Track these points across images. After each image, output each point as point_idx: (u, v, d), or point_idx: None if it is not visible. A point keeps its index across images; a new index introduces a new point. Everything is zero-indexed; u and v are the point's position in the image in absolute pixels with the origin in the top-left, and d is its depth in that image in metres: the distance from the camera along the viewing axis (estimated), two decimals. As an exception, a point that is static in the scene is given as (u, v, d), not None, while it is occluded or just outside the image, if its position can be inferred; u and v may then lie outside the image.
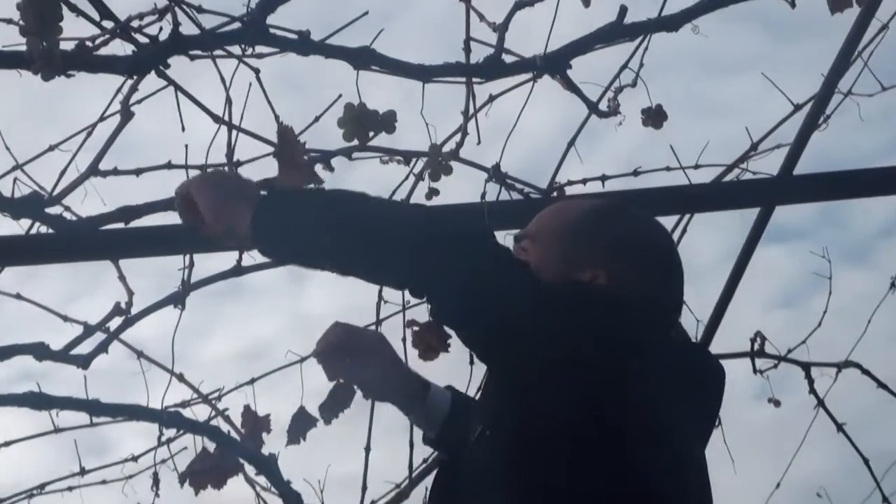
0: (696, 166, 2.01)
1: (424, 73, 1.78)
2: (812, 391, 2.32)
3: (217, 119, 1.82)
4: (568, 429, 1.10)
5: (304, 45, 1.69)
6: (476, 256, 1.12)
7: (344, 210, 1.18)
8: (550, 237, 1.32)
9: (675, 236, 2.09)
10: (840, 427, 2.34)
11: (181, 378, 1.98)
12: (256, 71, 1.80)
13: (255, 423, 1.87)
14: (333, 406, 1.74)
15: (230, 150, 1.88)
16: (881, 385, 2.34)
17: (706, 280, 2.26)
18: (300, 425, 1.76)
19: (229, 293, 2.13)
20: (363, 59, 1.71)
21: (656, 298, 1.27)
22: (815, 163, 2.02)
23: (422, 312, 1.88)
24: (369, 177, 1.98)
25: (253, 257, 1.97)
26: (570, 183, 1.99)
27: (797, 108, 1.98)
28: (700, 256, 2.48)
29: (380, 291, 2.02)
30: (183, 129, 1.80)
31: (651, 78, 1.94)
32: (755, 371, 2.24)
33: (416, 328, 1.95)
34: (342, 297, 2.08)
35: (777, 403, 2.29)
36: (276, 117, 1.69)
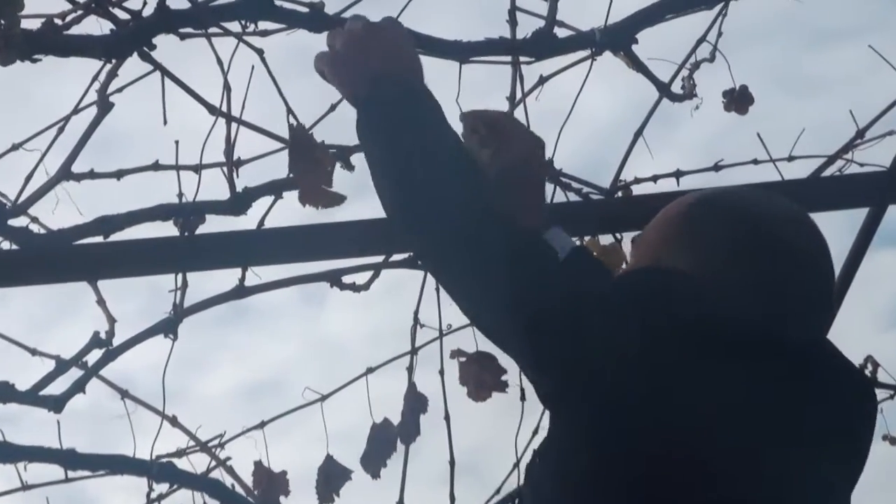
0: (790, 158, 1.72)
1: (462, 52, 1.57)
2: None
3: (213, 110, 1.59)
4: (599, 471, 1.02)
5: (315, 19, 1.48)
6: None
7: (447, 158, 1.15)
8: (646, 236, 1.17)
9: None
10: None
11: (174, 422, 1.73)
12: (260, 52, 1.57)
13: (270, 482, 1.61)
14: (379, 451, 1.50)
15: (229, 147, 1.62)
16: None
17: None
18: (330, 478, 1.50)
19: (234, 317, 1.85)
20: None
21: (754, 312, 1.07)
22: None
23: (466, 339, 1.59)
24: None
25: (258, 275, 1.70)
26: (638, 181, 1.70)
27: None
28: None
29: (415, 313, 1.72)
30: (165, 122, 1.58)
31: (734, 52, 1.65)
32: None
33: (462, 359, 1.66)
34: (367, 319, 1.79)
35: (894, 441, 2.02)
36: (288, 110, 1.41)
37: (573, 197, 1.67)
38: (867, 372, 1.86)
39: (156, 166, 1.67)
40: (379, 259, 1.68)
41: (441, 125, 1.19)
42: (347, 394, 1.68)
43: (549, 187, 1.65)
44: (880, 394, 1.92)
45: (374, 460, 1.63)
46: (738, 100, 1.67)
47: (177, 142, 1.63)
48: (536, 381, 1.10)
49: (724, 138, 1.87)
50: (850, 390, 1.14)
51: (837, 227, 1.76)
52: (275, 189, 1.65)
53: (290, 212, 1.64)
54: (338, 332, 2.46)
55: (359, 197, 1.57)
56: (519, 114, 1.64)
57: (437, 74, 1.59)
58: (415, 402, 1.68)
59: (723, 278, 1.10)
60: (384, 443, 1.63)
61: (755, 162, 1.70)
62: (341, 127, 1.64)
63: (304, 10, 1.45)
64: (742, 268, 1.10)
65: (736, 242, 1.12)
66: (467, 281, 1.12)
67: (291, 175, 1.36)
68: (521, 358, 1.13)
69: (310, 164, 1.32)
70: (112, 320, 1.69)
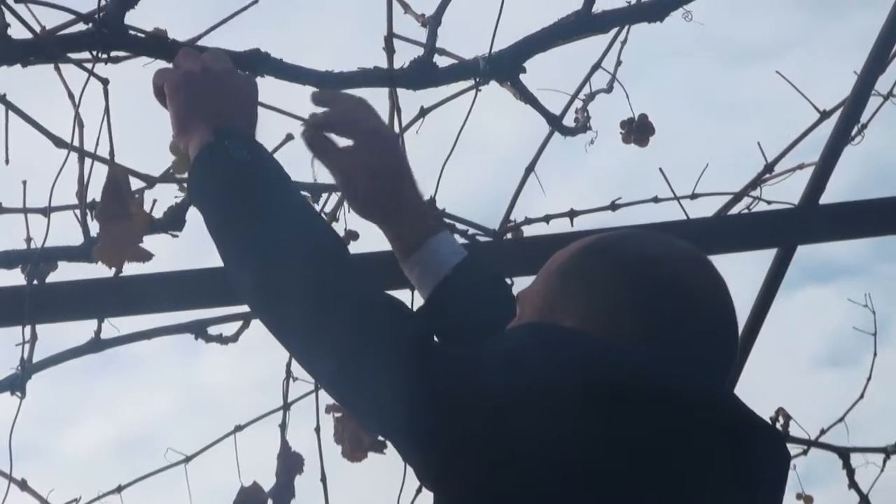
0: (694, 196, 1.57)
1: (335, 82, 1.42)
2: (852, 484, 1.89)
3: (60, 143, 1.41)
4: None
5: (163, 47, 1.35)
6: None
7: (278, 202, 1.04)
8: (534, 288, 1.08)
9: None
10: None
11: (24, 485, 1.53)
12: (104, 82, 1.38)
13: None
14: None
15: (82, 187, 1.45)
16: None
17: None
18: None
19: (99, 367, 1.67)
20: (253, 64, 1.36)
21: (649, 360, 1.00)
22: (849, 186, 1.55)
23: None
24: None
25: (116, 327, 1.53)
26: (528, 221, 1.53)
27: (824, 115, 1.53)
28: None
29: (287, 365, 1.56)
30: (7, 160, 1.39)
31: (643, 75, 1.49)
32: None
33: (338, 414, 1.52)
34: (243, 370, 1.62)
35: (809, 500, 1.86)
36: (111, 149, 1.24)
37: (459, 239, 1.53)
38: (779, 426, 1.72)
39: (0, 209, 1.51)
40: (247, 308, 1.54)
41: (287, 188, 1.08)
42: (218, 453, 1.52)
43: None
44: (793, 449, 1.79)
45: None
46: (638, 130, 1.51)
47: (24, 181, 1.47)
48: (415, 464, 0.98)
49: (630, 171, 1.72)
50: (758, 445, 1.04)
51: (755, 265, 1.64)
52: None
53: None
54: (213, 382, 2.26)
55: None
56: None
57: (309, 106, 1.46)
58: (289, 462, 1.52)
59: (616, 327, 1.01)
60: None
61: (655, 200, 1.55)
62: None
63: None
64: (635, 315, 1.02)
65: (627, 289, 1.03)
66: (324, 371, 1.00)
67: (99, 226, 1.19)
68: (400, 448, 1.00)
69: (118, 214, 1.15)
70: None
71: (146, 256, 1.22)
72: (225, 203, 1.05)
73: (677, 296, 1.03)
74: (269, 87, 1.37)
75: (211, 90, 1.12)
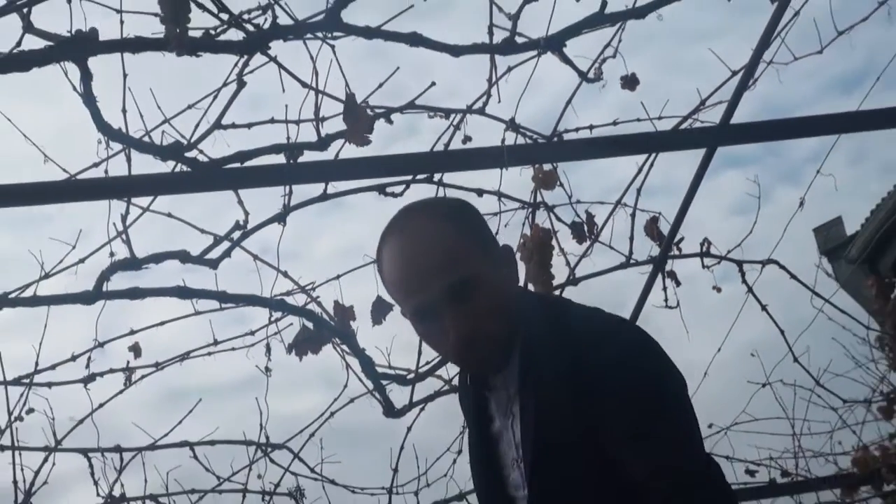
0: (660, 118, 2.55)
1: (457, 51, 2.32)
2: (744, 281, 2.88)
3: (306, 85, 2.30)
4: None
5: (368, 31, 2.25)
6: None
7: None
8: (469, 259, 1.29)
9: (645, 170, 2.69)
10: (764, 307, 2.94)
11: (285, 274, 2.51)
12: (332, 47, 2.30)
13: (343, 313, 2.50)
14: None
15: (317, 109, 2.44)
16: (793, 276, 2.95)
17: (676, 198, 2.83)
18: (379, 310, 2.39)
19: (331, 208, 2.56)
20: (413, 40, 2.25)
21: None
22: (747, 115, 2.51)
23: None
24: (419, 127, 2.50)
25: (335, 186, 2.56)
26: (567, 131, 2.55)
27: (734, 73, 2.51)
28: (671, 182, 3.08)
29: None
30: (283, 90, 2.33)
31: (630, 51, 2.49)
32: (703, 266, 2.83)
33: None
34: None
35: (719, 290, 2.85)
36: (346, 84, 2.26)
37: (528, 140, 2.55)
38: (704, 248, 2.76)
39: (272, 121, 2.41)
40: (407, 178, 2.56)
41: None
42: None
43: (511, 135, 2.54)
44: (712, 262, 2.78)
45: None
46: (630, 82, 2.53)
47: (286, 105, 2.35)
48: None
49: (625, 105, 2.68)
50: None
51: (691, 160, 2.66)
52: (343, 135, 2.50)
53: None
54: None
55: (392, 142, 2.33)
56: (494, 91, 2.48)
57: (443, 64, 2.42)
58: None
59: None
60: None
61: (638, 120, 2.56)
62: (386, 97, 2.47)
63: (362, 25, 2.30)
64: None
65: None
66: None
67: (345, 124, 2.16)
68: None
69: (355, 118, 2.15)
70: (246, 213, 2.45)
71: (367, 142, 2.19)
72: None
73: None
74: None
75: None
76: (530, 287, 2.52)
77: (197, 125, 2.36)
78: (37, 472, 2.70)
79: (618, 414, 1.18)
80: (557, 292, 2.71)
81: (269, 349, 2.62)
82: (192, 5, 2.10)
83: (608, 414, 1.18)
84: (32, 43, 1.99)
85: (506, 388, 1.35)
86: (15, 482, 2.64)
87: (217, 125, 2.39)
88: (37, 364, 2.62)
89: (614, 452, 1.19)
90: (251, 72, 2.35)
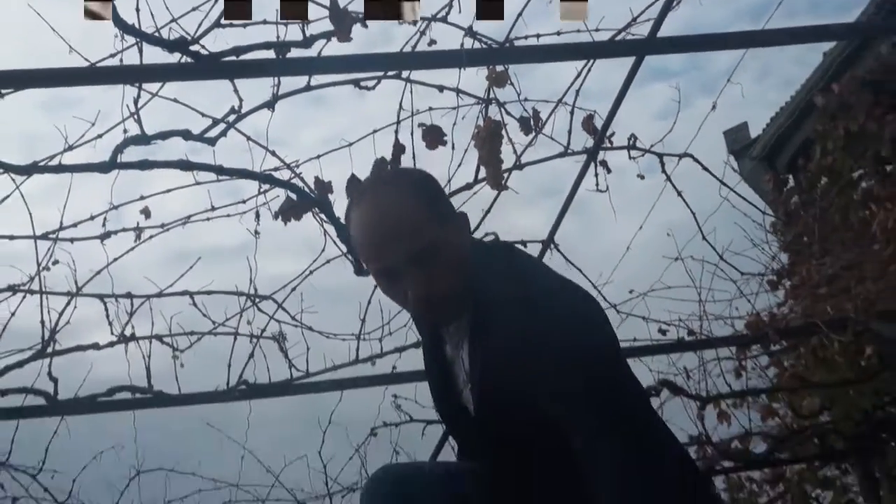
0: (597, 30, 2.88)
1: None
2: (663, 171, 3.31)
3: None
4: None
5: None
6: None
7: None
8: (430, 228, 1.38)
9: (583, 74, 3.09)
10: (679, 194, 3.39)
11: (273, 153, 2.86)
12: None
13: (322, 187, 2.90)
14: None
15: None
16: (705, 168, 3.38)
17: (610, 100, 3.17)
18: (353, 186, 2.81)
19: (314, 103, 2.94)
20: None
21: None
22: (672, 30, 2.87)
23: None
24: (393, 34, 2.77)
25: (318, 80, 2.93)
26: (518, 38, 2.89)
27: None
28: (606, 86, 3.44)
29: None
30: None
31: None
32: (630, 158, 3.23)
33: None
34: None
35: (642, 177, 3.26)
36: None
37: (484, 46, 2.94)
38: (631, 142, 3.16)
39: (264, 22, 2.83)
40: (379, 74, 2.89)
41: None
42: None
43: (469, 41, 2.90)
44: (637, 154, 3.17)
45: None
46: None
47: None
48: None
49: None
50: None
51: (622, 69, 3.04)
52: (325, 35, 2.83)
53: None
54: (375, 110, 3.64)
55: (369, 47, 2.63)
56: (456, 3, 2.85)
57: None
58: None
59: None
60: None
61: (578, 31, 2.93)
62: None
63: None
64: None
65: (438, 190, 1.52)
66: None
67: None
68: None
69: (340, 19, 2.52)
70: (240, 99, 2.75)
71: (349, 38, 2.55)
72: None
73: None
74: None
75: None
76: (482, 171, 2.90)
77: (200, 24, 2.63)
78: (60, 314, 3.16)
79: (546, 368, 1.29)
80: (506, 175, 3.11)
81: (258, 216, 3.00)
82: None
83: (539, 367, 1.30)
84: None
85: (458, 332, 1.51)
86: (43, 322, 3.10)
87: (217, 24, 2.66)
88: (61, 223, 3.00)
89: (542, 401, 1.31)
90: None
